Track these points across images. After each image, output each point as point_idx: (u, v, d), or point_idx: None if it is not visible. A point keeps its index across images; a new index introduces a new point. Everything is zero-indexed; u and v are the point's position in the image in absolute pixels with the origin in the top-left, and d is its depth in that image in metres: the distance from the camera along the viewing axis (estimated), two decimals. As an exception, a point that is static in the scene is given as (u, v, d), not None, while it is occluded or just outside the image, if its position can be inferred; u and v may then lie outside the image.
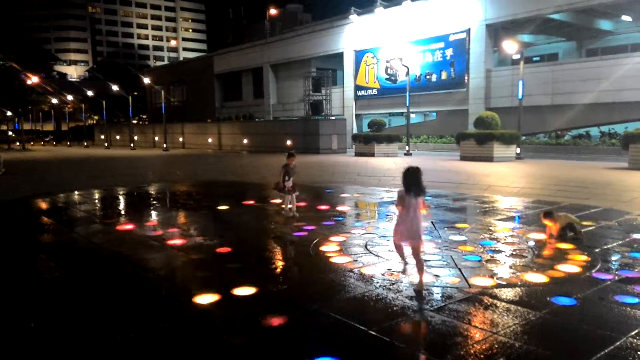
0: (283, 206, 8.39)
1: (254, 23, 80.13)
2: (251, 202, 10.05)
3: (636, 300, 4.07)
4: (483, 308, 3.95)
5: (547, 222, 6.25)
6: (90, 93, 59.58)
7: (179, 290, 4.57)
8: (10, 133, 63.19)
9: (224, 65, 53.38)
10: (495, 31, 31.08)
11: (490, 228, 7.11)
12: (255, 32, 63.17)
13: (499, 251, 5.78)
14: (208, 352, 3.27)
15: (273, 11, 57.58)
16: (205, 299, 4.20)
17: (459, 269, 5.01)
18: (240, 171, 18.98)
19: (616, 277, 4.70)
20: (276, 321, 3.73)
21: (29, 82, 54.67)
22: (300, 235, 6.71)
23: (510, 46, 25.34)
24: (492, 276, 4.79)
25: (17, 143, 55.85)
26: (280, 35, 48.56)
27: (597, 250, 5.70)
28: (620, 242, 6.10)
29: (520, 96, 23.73)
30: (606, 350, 3.15)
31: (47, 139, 68.86)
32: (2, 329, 3.76)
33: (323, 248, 5.95)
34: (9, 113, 56.44)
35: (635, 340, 3.31)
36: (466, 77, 32.00)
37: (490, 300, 4.11)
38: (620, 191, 11.04)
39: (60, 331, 3.63)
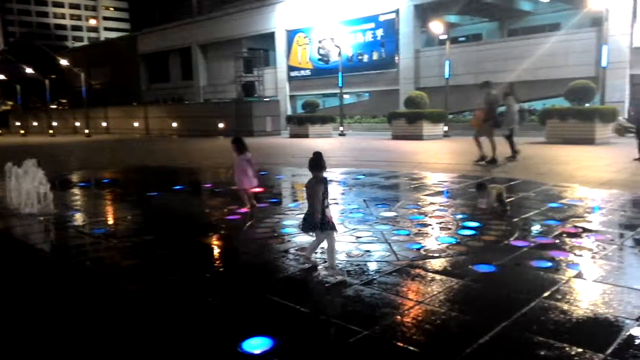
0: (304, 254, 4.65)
1: (180, 1, 76.92)
2: (182, 187, 9.75)
3: (549, 264, 4.36)
4: (410, 279, 4.09)
5: (480, 193, 6.56)
6: (1, 77, 54.95)
7: (103, 278, 4.36)
8: None
9: (149, 46, 51.09)
10: (423, 12, 31.83)
11: (419, 203, 7.36)
12: (182, 11, 60.70)
13: (427, 225, 5.99)
14: (139, 340, 3.15)
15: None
16: (132, 285, 4.03)
17: (389, 244, 5.14)
18: (170, 156, 18.38)
19: (532, 244, 5.01)
20: (211, 304, 3.65)
21: None
22: (234, 218, 6.60)
23: (437, 27, 26.11)
24: (419, 249, 4.96)
25: None
26: (208, 14, 47.03)
27: (516, 219, 6.05)
28: (536, 212, 6.50)
29: (446, 75, 24.58)
30: (522, 311, 3.36)
31: None
32: None
33: (256, 230, 5.90)
34: None
35: (548, 300, 3.55)
36: (396, 58, 32.66)
37: (417, 271, 4.25)
38: (537, 164, 11.80)
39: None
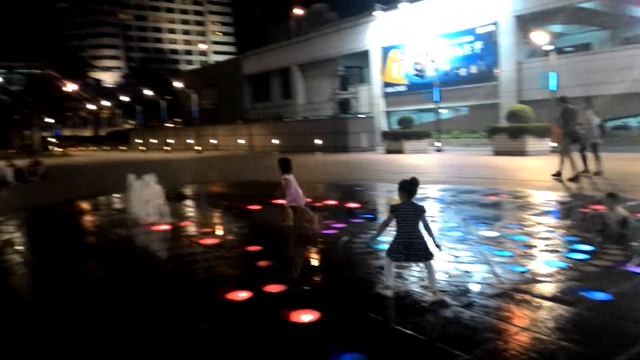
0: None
1: (280, 24, 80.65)
2: (283, 201, 10.13)
3: (676, 294, 3.94)
4: (514, 304, 3.91)
5: (608, 202, 6.07)
6: (125, 98, 61.28)
7: (211, 287, 4.69)
8: (51, 139, 65.74)
9: (252, 67, 54.03)
10: (525, 22, 30.37)
11: (524, 223, 6.98)
12: (282, 33, 63.60)
13: (532, 246, 5.68)
14: (239, 346, 3.35)
15: (298, 11, 57.73)
16: (236, 295, 4.29)
17: (490, 265, 4.95)
18: (271, 172, 19.17)
19: (655, 271, 4.55)
20: (304, 317, 3.77)
21: (64, 88, 56.69)
22: (330, 233, 6.75)
23: (540, 37, 24.77)
24: (524, 272, 4.72)
25: (59, 149, 57.94)
26: (305, 35, 48.76)
27: (635, 243, 5.53)
28: (660, 236, 5.88)
29: (552, 88, 23.15)
30: (643, 345, 3.08)
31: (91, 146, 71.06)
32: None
33: (351, 245, 5.98)
34: (50, 120, 58.67)
35: (674, 335, 3.21)
36: (496, 70, 31.41)
37: (521, 295, 4.05)
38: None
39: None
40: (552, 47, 25.17)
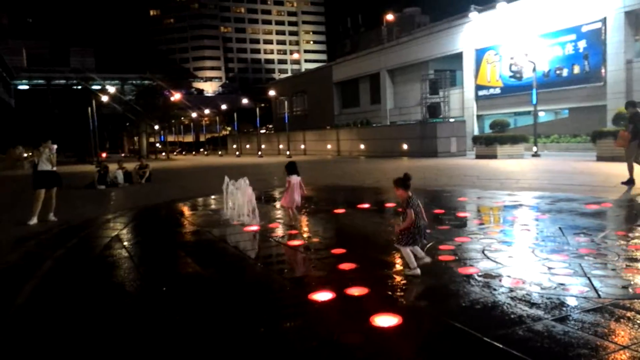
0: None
1: (371, 30, 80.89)
2: (366, 205, 10.19)
3: None
4: (614, 320, 3.62)
5: None
6: (223, 106, 64.89)
7: (296, 286, 4.86)
8: (157, 144, 71.40)
9: (342, 74, 54.63)
10: (637, 18, 27.77)
11: (629, 234, 6.41)
12: (373, 39, 63.72)
13: (638, 260, 5.20)
14: (320, 348, 3.45)
15: (390, 17, 57.45)
16: (319, 296, 4.41)
17: (588, 278, 4.62)
18: (357, 176, 19.27)
19: None
20: (388, 322, 3.78)
21: (172, 98, 61.30)
22: (415, 238, 6.66)
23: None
24: (626, 286, 4.35)
25: (163, 153, 62.73)
26: (396, 40, 48.38)
27: None
28: None
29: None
30: None
31: (193, 151, 76.19)
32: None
33: (435, 252, 5.86)
34: (156, 127, 63.78)
35: None
36: (603, 70, 29.00)
37: (623, 311, 3.74)
38: None
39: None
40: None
